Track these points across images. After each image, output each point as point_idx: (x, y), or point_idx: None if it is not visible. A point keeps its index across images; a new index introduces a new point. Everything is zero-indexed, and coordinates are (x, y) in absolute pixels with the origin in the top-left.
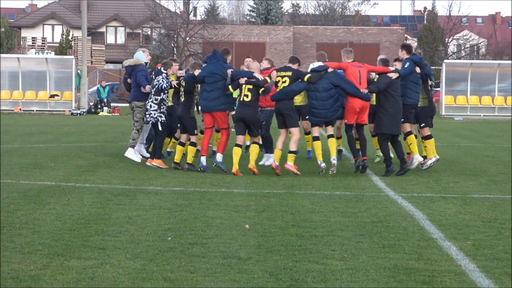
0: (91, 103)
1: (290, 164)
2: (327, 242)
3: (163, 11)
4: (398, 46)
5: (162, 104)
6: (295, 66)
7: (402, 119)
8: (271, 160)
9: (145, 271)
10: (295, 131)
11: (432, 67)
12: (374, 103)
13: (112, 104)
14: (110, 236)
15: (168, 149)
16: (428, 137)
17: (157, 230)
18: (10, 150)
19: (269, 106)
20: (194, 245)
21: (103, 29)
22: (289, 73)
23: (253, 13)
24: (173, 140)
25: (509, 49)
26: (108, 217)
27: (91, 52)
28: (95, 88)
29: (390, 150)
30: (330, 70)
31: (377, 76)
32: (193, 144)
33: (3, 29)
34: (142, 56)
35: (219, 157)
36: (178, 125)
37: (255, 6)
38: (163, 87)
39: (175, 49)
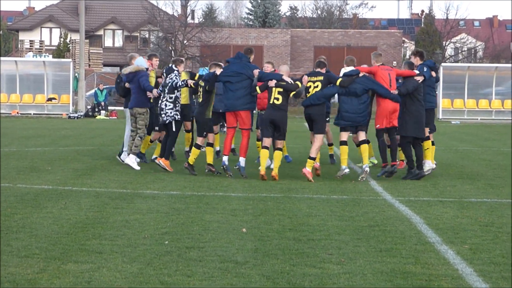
0: (89, 107)
1: (307, 170)
2: (324, 246)
3: (161, 14)
4: (395, 49)
5: (177, 102)
6: (323, 70)
7: None
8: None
9: (142, 275)
10: (319, 138)
11: None
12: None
13: (109, 108)
14: (107, 240)
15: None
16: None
17: (154, 234)
18: (7, 153)
19: None
20: (191, 249)
21: (101, 32)
22: (321, 78)
23: (251, 16)
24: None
25: (506, 52)
26: (105, 221)
27: (89, 55)
28: (92, 91)
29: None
30: (361, 74)
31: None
32: (198, 146)
33: (1, 32)
34: (143, 62)
35: (242, 161)
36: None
37: (253, 9)
38: (178, 85)
39: (172, 52)
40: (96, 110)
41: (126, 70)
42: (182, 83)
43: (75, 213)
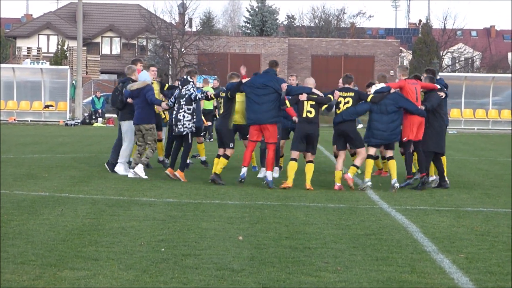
0: (86, 114)
1: (349, 175)
2: (320, 254)
3: (158, 22)
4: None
5: (194, 114)
6: (351, 85)
7: None
8: (263, 172)
9: (138, 282)
10: (362, 151)
11: None
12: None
13: (106, 115)
14: (103, 247)
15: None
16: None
17: (150, 241)
18: (4, 160)
19: None
20: (187, 256)
21: (98, 40)
22: (351, 94)
23: (248, 25)
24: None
25: (504, 62)
26: (101, 228)
27: (86, 62)
28: (89, 98)
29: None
30: (392, 91)
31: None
32: (226, 157)
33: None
34: (147, 75)
35: (269, 175)
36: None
37: (250, 17)
38: (197, 97)
39: (170, 60)
40: (93, 117)
41: (133, 87)
42: (202, 95)
43: (72, 220)
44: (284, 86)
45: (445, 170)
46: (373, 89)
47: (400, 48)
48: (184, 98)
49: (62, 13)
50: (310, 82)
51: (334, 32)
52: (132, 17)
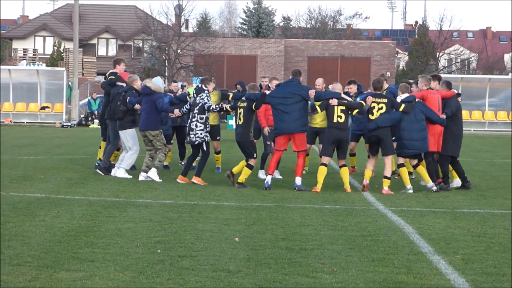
0: (82, 115)
1: (386, 189)
2: (316, 255)
3: (154, 23)
4: (389, 60)
5: (207, 123)
6: (385, 87)
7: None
8: (277, 175)
9: (134, 284)
10: (390, 158)
11: None
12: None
13: None
14: (99, 248)
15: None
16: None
17: (146, 242)
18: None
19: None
20: (183, 257)
21: (94, 41)
22: (385, 100)
23: (244, 26)
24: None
25: (500, 64)
26: (97, 229)
27: (83, 64)
28: (86, 100)
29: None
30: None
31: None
32: (250, 167)
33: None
34: (161, 83)
35: (298, 180)
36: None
37: (247, 19)
38: (211, 108)
39: (166, 61)
40: (90, 119)
41: (148, 83)
42: (216, 107)
43: (68, 222)
44: (311, 92)
45: (453, 175)
46: (398, 99)
47: (397, 49)
48: (198, 107)
49: (58, 14)
50: (338, 88)
51: (330, 33)
52: (128, 18)
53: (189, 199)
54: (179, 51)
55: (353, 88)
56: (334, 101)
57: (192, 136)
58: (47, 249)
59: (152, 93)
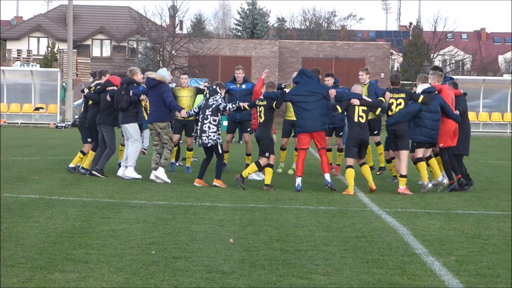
0: (76, 116)
1: (402, 188)
2: (311, 256)
3: (149, 24)
4: (383, 61)
5: (219, 125)
6: (399, 85)
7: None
8: (255, 176)
9: (129, 285)
10: (405, 154)
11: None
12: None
13: None
14: (93, 249)
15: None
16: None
17: (141, 243)
18: None
19: None
20: (178, 259)
21: (88, 42)
22: (403, 95)
23: (239, 27)
24: (79, 153)
25: (494, 65)
26: (92, 230)
27: (77, 65)
28: (80, 101)
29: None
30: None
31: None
32: (271, 165)
33: None
34: (166, 74)
35: (327, 177)
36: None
37: (241, 20)
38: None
39: (160, 62)
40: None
41: (152, 75)
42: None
43: (62, 223)
44: (332, 92)
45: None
46: (419, 89)
47: (391, 50)
48: (211, 109)
49: (52, 15)
50: (359, 89)
51: (324, 34)
52: (122, 19)
53: (183, 200)
54: (173, 52)
55: (330, 81)
56: (356, 101)
57: (204, 138)
58: (41, 250)
59: (158, 85)
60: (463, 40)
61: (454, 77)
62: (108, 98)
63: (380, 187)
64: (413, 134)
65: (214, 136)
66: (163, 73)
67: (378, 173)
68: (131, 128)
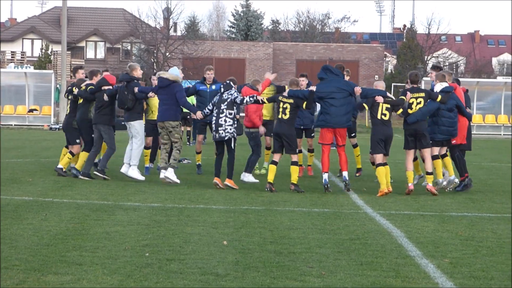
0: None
1: (430, 185)
2: (305, 259)
3: (143, 26)
4: (377, 63)
5: (235, 118)
6: (415, 85)
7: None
8: (248, 177)
9: (123, 287)
10: (428, 151)
11: None
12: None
13: None
14: (87, 251)
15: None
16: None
17: (135, 246)
18: None
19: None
20: (172, 261)
21: (82, 44)
22: (422, 94)
23: (233, 29)
24: (68, 155)
25: (488, 67)
26: (85, 232)
27: (71, 66)
28: None
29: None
30: None
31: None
32: (296, 164)
33: None
34: (178, 73)
35: (346, 174)
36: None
37: (235, 22)
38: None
39: (155, 64)
40: None
41: (164, 75)
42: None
43: (56, 225)
44: (358, 90)
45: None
46: (437, 88)
47: (385, 53)
48: (226, 103)
49: (46, 17)
50: (381, 85)
51: (318, 36)
52: (116, 21)
53: (177, 202)
54: (167, 54)
55: (304, 82)
56: (380, 99)
57: (221, 131)
58: (34, 252)
59: (170, 85)
60: (457, 42)
61: None
62: (105, 97)
63: (373, 190)
64: (431, 133)
65: (231, 129)
66: (175, 73)
67: (357, 174)
68: (138, 125)
